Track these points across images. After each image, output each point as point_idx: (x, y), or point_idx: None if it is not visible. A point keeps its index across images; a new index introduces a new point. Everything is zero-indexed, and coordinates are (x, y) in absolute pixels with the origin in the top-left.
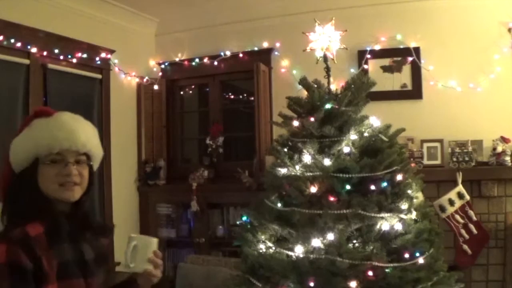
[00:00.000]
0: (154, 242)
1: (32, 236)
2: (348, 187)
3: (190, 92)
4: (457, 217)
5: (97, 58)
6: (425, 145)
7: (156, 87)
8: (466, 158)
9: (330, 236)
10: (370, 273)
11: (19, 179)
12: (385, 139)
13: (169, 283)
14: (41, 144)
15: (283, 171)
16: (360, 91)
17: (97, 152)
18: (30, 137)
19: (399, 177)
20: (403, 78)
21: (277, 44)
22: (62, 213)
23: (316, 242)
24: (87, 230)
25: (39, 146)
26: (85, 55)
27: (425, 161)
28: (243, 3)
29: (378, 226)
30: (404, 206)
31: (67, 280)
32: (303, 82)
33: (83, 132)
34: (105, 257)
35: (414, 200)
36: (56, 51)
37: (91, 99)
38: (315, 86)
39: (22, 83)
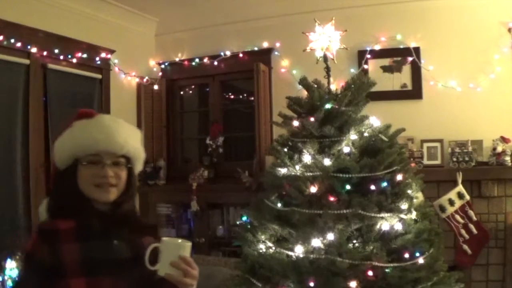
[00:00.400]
0: (181, 246)
1: (61, 229)
2: (348, 187)
3: (190, 92)
4: (457, 217)
5: (97, 58)
6: (425, 145)
7: (156, 87)
8: (466, 158)
9: (330, 236)
10: (370, 273)
11: (61, 177)
12: (385, 139)
13: None
14: (80, 145)
15: (283, 171)
16: (360, 91)
17: (137, 154)
18: (70, 137)
19: (399, 177)
20: (403, 78)
21: (277, 44)
22: (99, 212)
23: (316, 242)
24: (125, 229)
25: (78, 146)
26: (85, 55)
27: (425, 161)
28: (243, 3)
29: (378, 226)
30: (404, 206)
31: (94, 277)
32: (303, 82)
33: (121, 134)
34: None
35: (414, 200)
36: (56, 51)
37: (91, 99)
38: (315, 86)
39: (22, 83)
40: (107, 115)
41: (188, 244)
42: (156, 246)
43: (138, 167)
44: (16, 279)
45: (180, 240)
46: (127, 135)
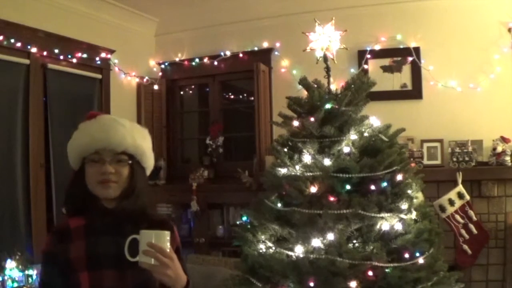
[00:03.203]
0: (155, 235)
1: (72, 228)
2: (348, 187)
3: (190, 92)
4: (457, 217)
5: (97, 58)
6: (425, 145)
7: (156, 87)
8: (466, 158)
9: (330, 236)
10: (370, 273)
11: (73, 178)
12: (385, 139)
13: None
14: (83, 145)
15: (283, 171)
16: (360, 91)
17: (138, 151)
18: (75, 139)
19: (399, 177)
20: (403, 78)
21: (277, 44)
22: (105, 209)
23: (316, 242)
24: (130, 225)
25: (81, 146)
26: (85, 55)
27: (425, 161)
28: (243, 3)
29: (378, 226)
30: (404, 206)
31: (97, 270)
32: (303, 82)
33: (119, 132)
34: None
35: (414, 200)
36: (56, 51)
37: (91, 99)
38: (315, 86)
39: (22, 83)
40: (108, 115)
41: (163, 233)
42: (134, 237)
43: (147, 164)
44: (40, 279)
45: (152, 230)
46: (126, 133)
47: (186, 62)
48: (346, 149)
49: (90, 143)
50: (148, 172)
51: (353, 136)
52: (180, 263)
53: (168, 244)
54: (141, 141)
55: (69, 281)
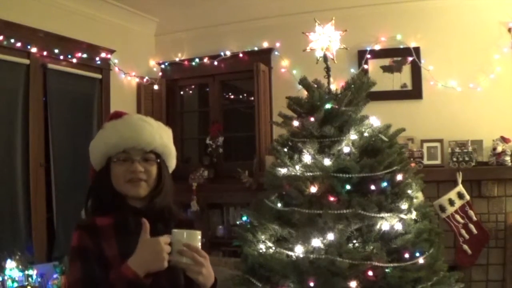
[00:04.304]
0: (187, 234)
1: (98, 225)
2: (348, 187)
3: (190, 92)
4: (457, 217)
5: (97, 58)
6: (425, 145)
7: (156, 87)
8: (466, 158)
9: (330, 236)
10: (370, 273)
11: (97, 177)
12: (385, 139)
13: None
14: (110, 144)
15: (283, 171)
16: (360, 91)
17: (166, 150)
18: (101, 138)
19: (399, 177)
20: (403, 78)
21: (277, 44)
22: (133, 208)
23: (316, 242)
24: (159, 224)
25: (108, 146)
26: (85, 55)
27: (425, 161)
28: (243, 3)
29: (378, 226)
30: (404, 206)
31: None
32: (303, 82)
33: (148, 131)
34: None
35: (414, 200)
36: (56, 51)
37: (91, 99)
38: (315, 86)
39: (22, 83)
40: (136, 114)
41: (195, 232)
42: (167, 237)
43: (171, 163)
44: (78, 275)
45: (186, 230)
46: (154, 132)
47: (186, 62)
48: (346, 149)
49: (118, 142)
50: (170, 172)
51: (353, 136)
52: None
53: (200, 243)
54: (168, 141)
55: (108, 278)
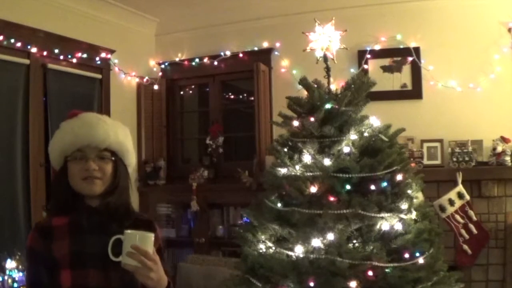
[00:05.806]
0: (139, 236)
1: (53, 225)
2: (348, 187)
3: (190, 92)
4: (457, 217)
5: (97, 58)
6: (425, 145)
7: (156, 87)
8: (466, 158)
9: (330, 236)
10: (370, 273)
11: (55, 177)
12: (385, 139)
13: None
14: (66, 143)
15: (283, 171)
16: (360, 91)
17: (121, 148)
18: (57, 138)
19: (399, 177)
20: (403, 78)
21: (277, 44)
22: (89, 207)
23: (316, 242)
24: (115, 223)
25: (63, 145)
26: (85, 55)
27: (425, 161)
28: (243, 3)
29: (378, 226)
30: (404, 206)
31: (81, 269)
32: (303, 82)
33: (102, 129)
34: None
35: (414, 200)
36: (56, 51)
37: (91, 99)
38: (315, 86)
39: (22, 83)
40: (90, 113)
41: (147, 234)
42: (118, 237)
43: (129, 162)
44: (28, 278)
45: (138, 231)
46: (109, 129)
47: (186, 62)
48: (346, 149)
49: (73, 140)
50: (130, 170)
51: (353, 136)
52: (161, 264)
53: (152, 246)
54: (124, 138)
55: (53, 278)
